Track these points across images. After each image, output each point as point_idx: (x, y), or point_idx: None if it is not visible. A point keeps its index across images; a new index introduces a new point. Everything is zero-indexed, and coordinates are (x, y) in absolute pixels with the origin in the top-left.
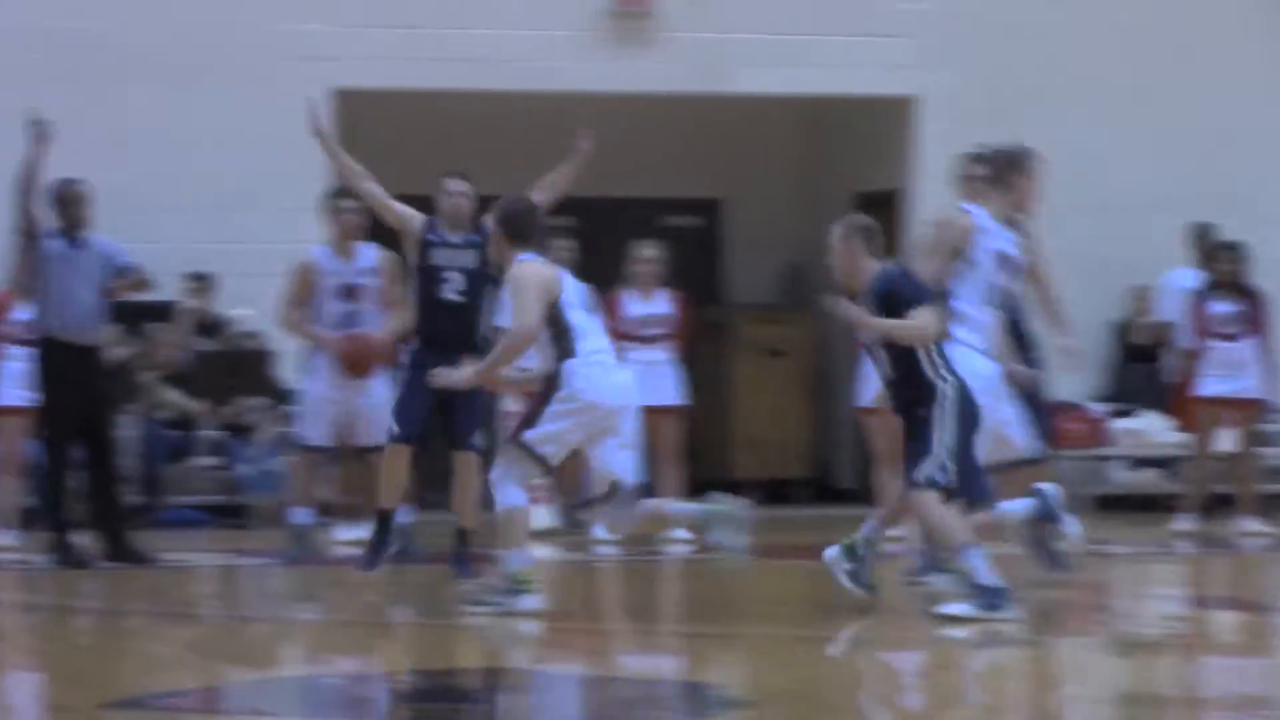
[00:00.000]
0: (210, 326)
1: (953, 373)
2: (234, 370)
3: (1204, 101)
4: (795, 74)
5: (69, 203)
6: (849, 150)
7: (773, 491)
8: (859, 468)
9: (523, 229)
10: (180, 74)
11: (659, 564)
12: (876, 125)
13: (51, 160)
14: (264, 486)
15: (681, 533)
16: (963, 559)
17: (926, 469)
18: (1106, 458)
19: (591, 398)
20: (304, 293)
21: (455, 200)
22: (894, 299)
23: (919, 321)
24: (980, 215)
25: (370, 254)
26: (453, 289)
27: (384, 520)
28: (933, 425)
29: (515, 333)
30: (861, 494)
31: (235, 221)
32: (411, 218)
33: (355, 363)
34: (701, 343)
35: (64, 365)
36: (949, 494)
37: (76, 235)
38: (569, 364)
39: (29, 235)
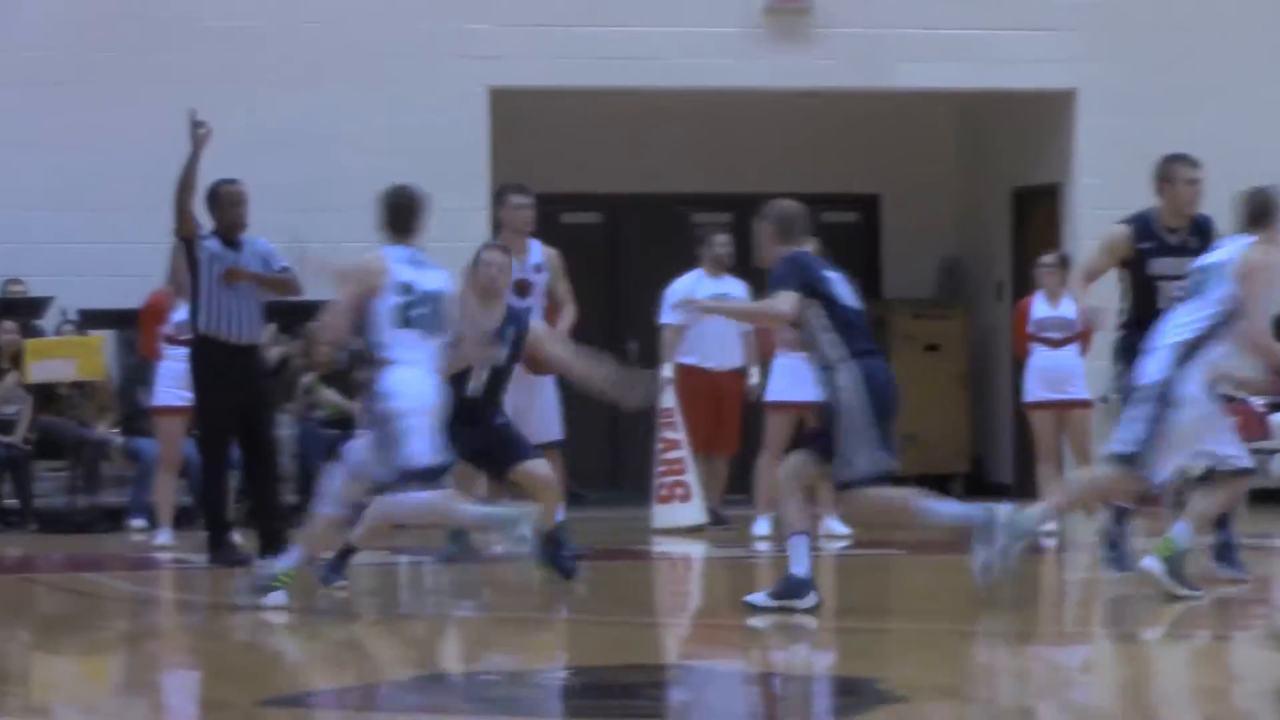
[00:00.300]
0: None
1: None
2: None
3: None
4: (953, 68)
5: (226, 203)
6: (1008, 145)
7: (929, 486)
8: (1016, 462)
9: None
10: (338, 73)
11: (815, 559)
12: (1036, 119)
13: (209, 159)
14: None
15: (839, 527)
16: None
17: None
18: (1268, 451)
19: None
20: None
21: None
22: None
23: (768, 304)
24: None
25: (538, 250)
26: None
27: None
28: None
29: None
30: (1017, 488)
31: None
32: None
33: (535, 360)
34: None
35: (221, 365)
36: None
37: (233, 236)
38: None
39: (187, 236)
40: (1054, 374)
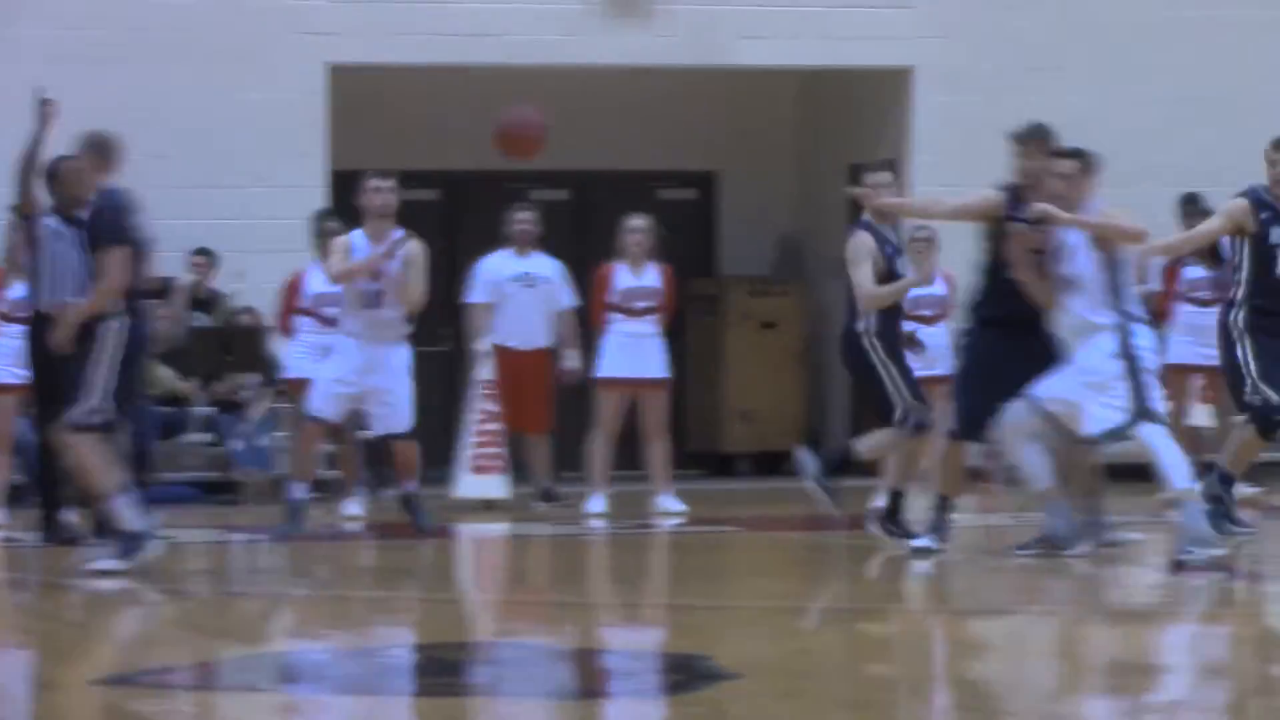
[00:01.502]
0: (206, 302)
1: None
2: (228, 347)
3: (1202, 72)
4: (791, 46)
5: (64, 180)
6: (845, 122)
7: (764, 463)
8: (851, 438)
9: None
10: (175, 50)
11: (648, 537)
12: (873, 96)
13: (54, 138)
14: (255, 462)
15: (674, 504)
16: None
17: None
18: None
19: None
20: None
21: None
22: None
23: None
24: None
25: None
26: None
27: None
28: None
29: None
30: (853, 465)
31: (234, 198)
32: None
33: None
34: (695, 315)
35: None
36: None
37: (71, 213)
38: None
39: (26, 213)
40: None
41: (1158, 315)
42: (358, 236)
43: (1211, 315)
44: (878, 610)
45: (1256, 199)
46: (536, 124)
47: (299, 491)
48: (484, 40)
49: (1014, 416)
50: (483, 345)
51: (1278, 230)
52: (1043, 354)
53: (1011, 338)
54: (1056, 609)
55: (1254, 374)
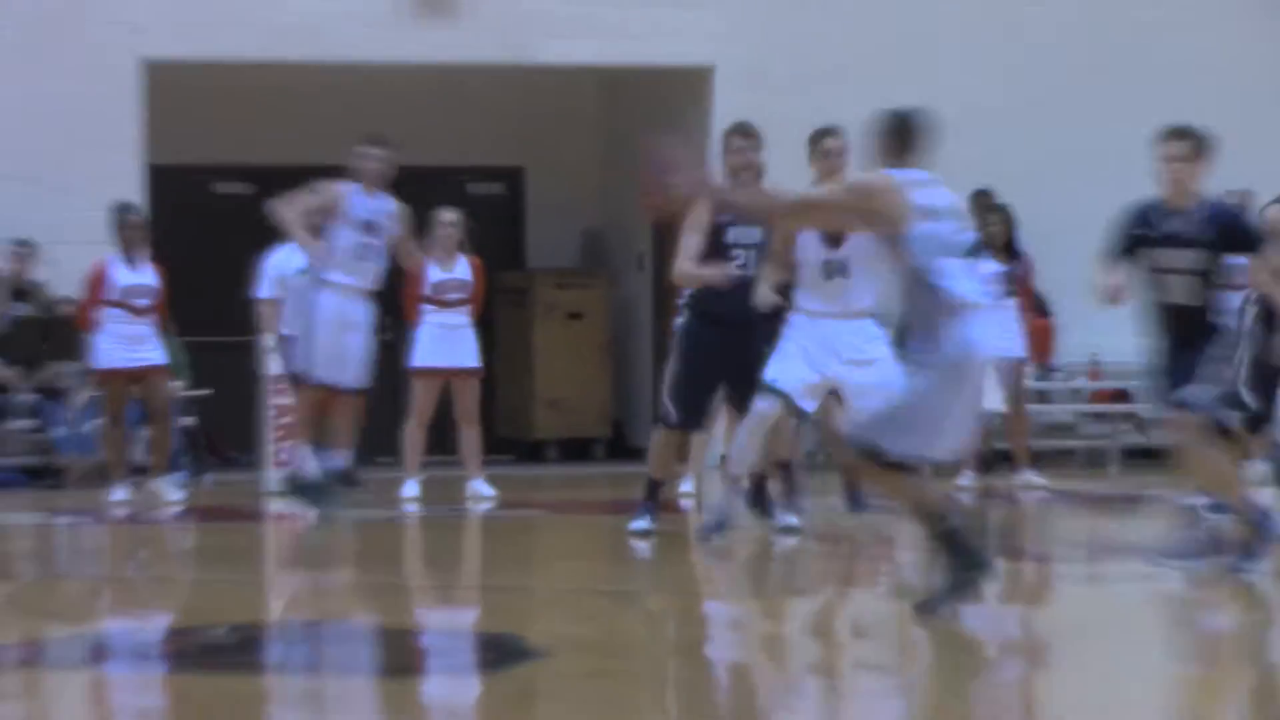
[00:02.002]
0: (25, 292)
1: None
2: (47, 335)
3: (978, 77)
4: (595, 45)
5: None
6: (649, 119)
7: (571, 449)
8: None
9: None
10: None
11: (460, 520)
12: (675, 95)
13: None
14: (78, 447)
15: (485, 489)
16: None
17: None
18: None
19: None
20: None
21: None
22: None
23: None
24: None
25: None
26: None
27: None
28: None
29: None
30: None
31: (44, 191)
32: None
33: None
34: (504, 307)
35: None
36: None
37: None
38: None
39: None
40: None
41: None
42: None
43: (1008, 309)
44: (680, 591)
45: None
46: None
47: (333, 461)
48: (297, 35)
49: (765, 407)
50: (268, 342)
51: None
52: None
53: (723, 330)
54: (847, 590)
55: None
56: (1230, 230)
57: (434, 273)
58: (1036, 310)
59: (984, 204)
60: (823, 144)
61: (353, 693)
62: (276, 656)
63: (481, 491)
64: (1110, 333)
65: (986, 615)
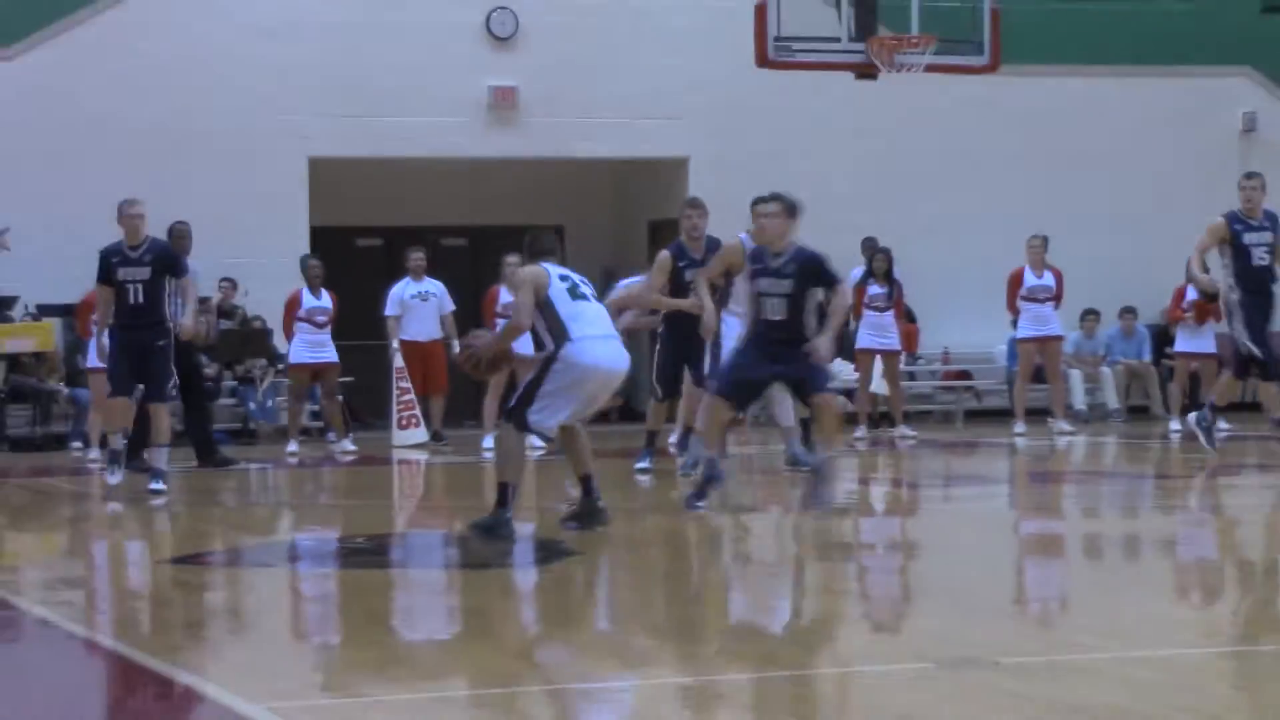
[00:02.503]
0: (227, 313)
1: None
2: (245, 341)
3: (868, 161)
4: (613, 144)
5: None
6: (646, 192)
7: (596, 416)
8: None
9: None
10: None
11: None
12: (664, 176)
13: None
14: (265, 417)
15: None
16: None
17: None
18: None
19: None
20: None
21: None
22: None
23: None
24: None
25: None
26: None
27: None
28: None
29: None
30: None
31: (244, 243)
32: None
33: None
34: None
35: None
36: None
37: None
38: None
39: None
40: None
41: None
42: None
43: (885, 318)
44: (665, 510)
45: (1232, 217)
46: None
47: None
48: (410, 140)
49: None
50: (394, 344)
51: (1248, 235)
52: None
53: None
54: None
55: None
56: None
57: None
58: (907, 318)
59: (871, 246)
60: (757, 209)
61: (442, 579)
62: (398, 557)
63: (536, 444)
64: (955, 333)
65: (875, 523)
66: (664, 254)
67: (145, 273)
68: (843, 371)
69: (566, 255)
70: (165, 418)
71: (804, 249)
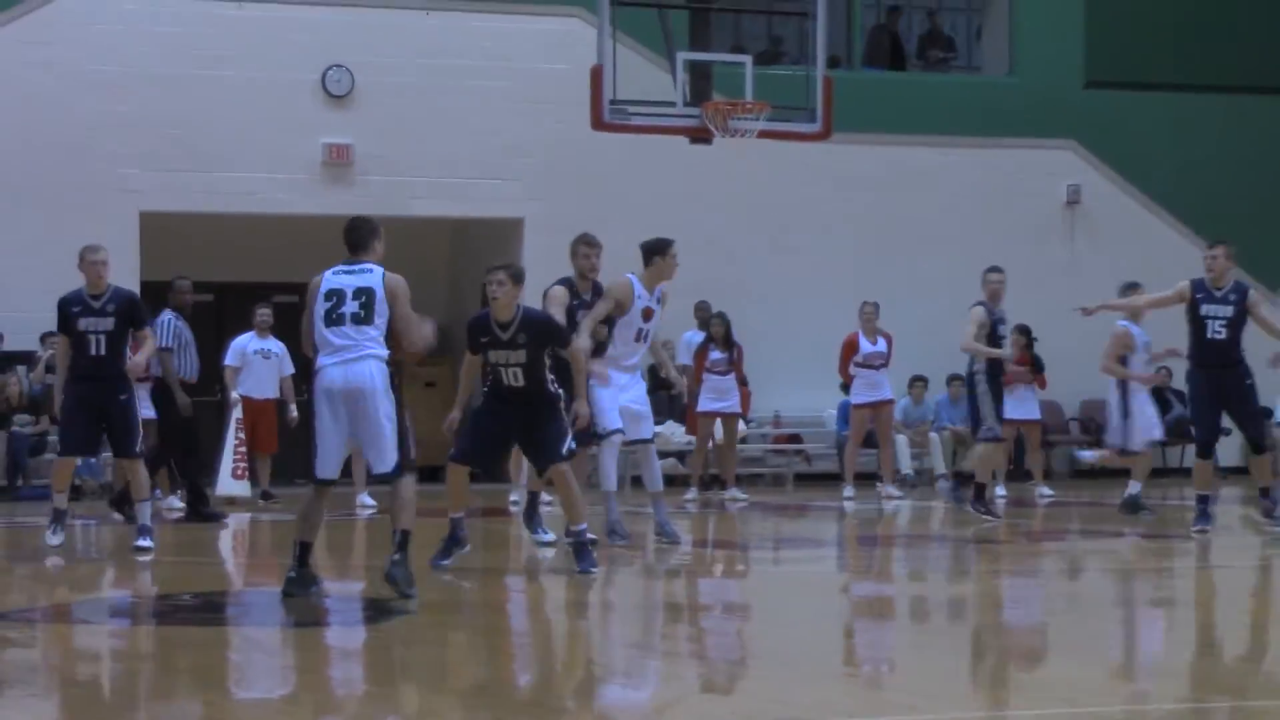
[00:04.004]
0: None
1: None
2: None
3: (699, 216)
4: (448, 203)
5: None
6: (482, 249)
7: (427, 474)
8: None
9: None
10: None
11: (352, 521)
12: (501, 234)
13: None
14: (91, 473)
15: (368, 500)
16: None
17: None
18: None
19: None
20: None
21: None
22: None
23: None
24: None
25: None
26: None
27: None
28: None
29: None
30: (487, 473)
31: None
32: None
33: None
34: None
35: None
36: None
37: None
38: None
39: None
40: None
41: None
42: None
43: (725, 381)
44: (499, 571)
45: (1197, 284)
46: None
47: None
48: (244, 197)
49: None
50: (233, 396)
51: (1208, 306)
52: None
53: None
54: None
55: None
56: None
57: None
58: (742, 382)
59: (706, 311)
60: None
61: (273, 639)
62: (227, 614)
63: (366, 502)
64: (786, 397)
65: (705, 585)
66: (560, 289)
67: (108, 323)
68: (674, 434)
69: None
70: (141, 472)
71: (530, 312)
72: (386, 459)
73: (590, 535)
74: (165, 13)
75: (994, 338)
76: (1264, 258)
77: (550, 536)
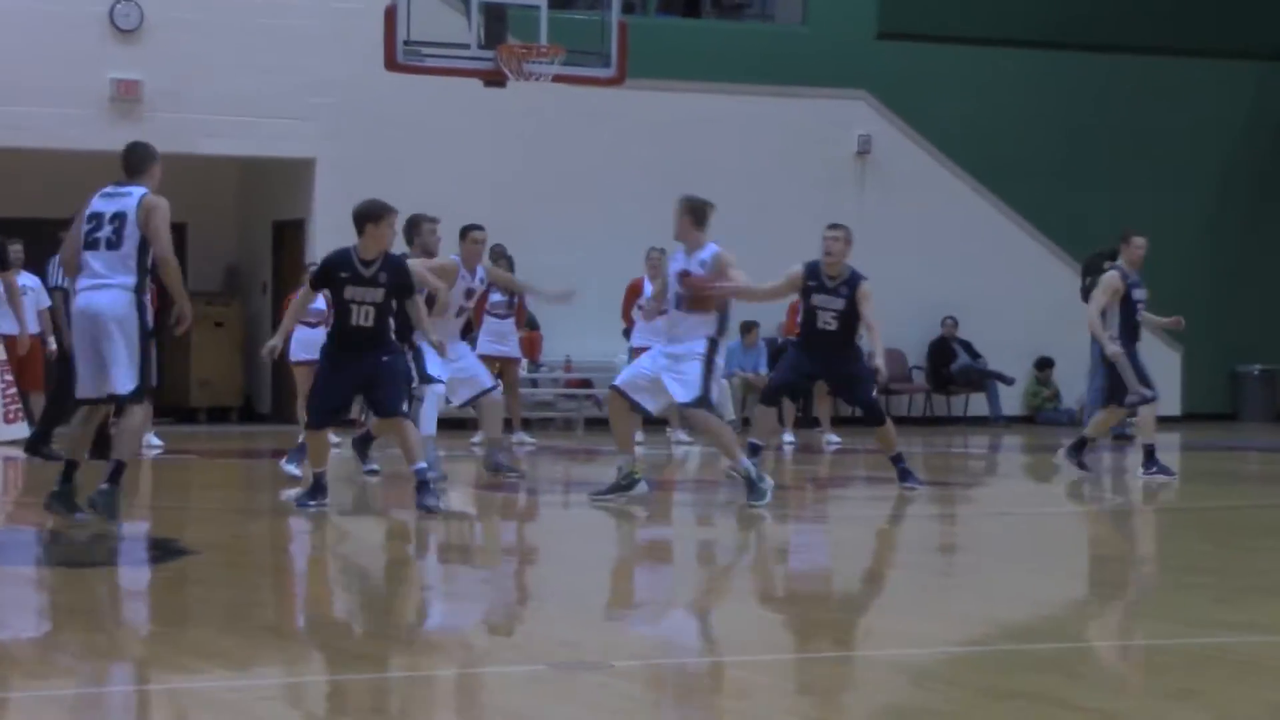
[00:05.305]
0: None
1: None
2: None
3: (492, 160)
4: (237, 142)
5: None
6: (272, 192)
7: (216, 414)
8: (275, 400)
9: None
10: None
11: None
12: (291, 176)
13: None
14: None
15: (155, 440)
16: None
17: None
18: None
19: None
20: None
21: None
22: None
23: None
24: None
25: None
26: None
27: None
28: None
29: None
30: (276, 416)
31: None
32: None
33: None
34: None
35: None
36: None
37: None
38: None
39: None
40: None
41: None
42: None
43: (506, 325)
44: (290, 510)
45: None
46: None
47: None
48: (27, 130)
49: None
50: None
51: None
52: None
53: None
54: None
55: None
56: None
57: None
58: (530, 325)
59: (497, 253)
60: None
61: (58, 577)
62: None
63: (153, 442)
64: (577, 341)
65: (492, 527)
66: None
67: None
68: None
69: (187, 251)
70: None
71: (392, 255)
72: (122, 380)
73: (431, 473)
74: None
75: (1129, 305)
76: (1048, 213)
77: (374, 466)
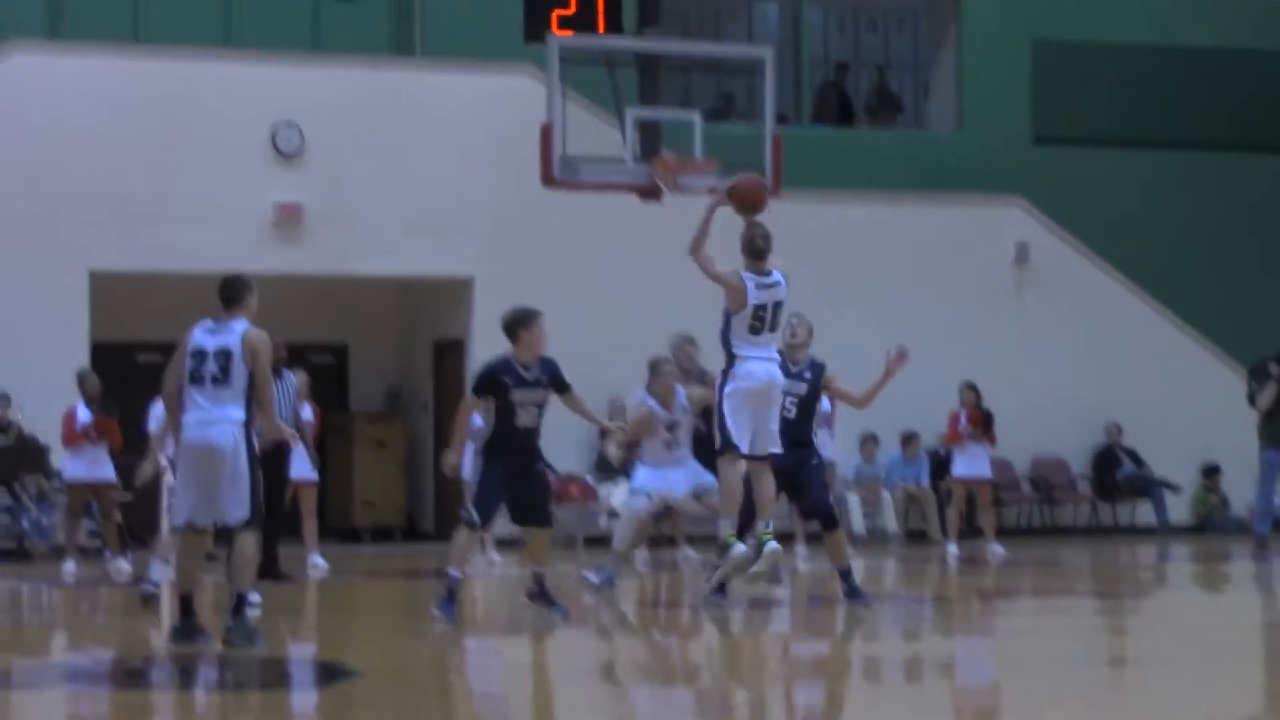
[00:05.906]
0: (3, 428)
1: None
2: (21, 456)
3: (649, 275)
4: (395, 263)
5: None
6: (432, 311)
7: (379, 534)
8: (436, 520)
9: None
10: None
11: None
12: (450, 295)
13: None
14: (40, 535)
15: (320, 560)
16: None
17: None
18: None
19: None
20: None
21: None
22: None
23: None
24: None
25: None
26: None
27: None
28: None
29: None
30: (438, 534)
31: (19, 359)
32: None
33: None
34: (335, 436)
35: None
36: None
37: None
38: None
39: None
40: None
41: None
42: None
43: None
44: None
45: None
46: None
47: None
48: (194, 254)
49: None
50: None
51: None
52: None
53: None
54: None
55: None
56: None
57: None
58: None
59: (681, 346)
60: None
61: (229, 702)
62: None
63: (318, 563)
64: None
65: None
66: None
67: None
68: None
69: (349, 371)
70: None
71: (544, 357)
72: (234, 510)
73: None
74: (114, 69)
75: None
76: (1209, 314)
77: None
